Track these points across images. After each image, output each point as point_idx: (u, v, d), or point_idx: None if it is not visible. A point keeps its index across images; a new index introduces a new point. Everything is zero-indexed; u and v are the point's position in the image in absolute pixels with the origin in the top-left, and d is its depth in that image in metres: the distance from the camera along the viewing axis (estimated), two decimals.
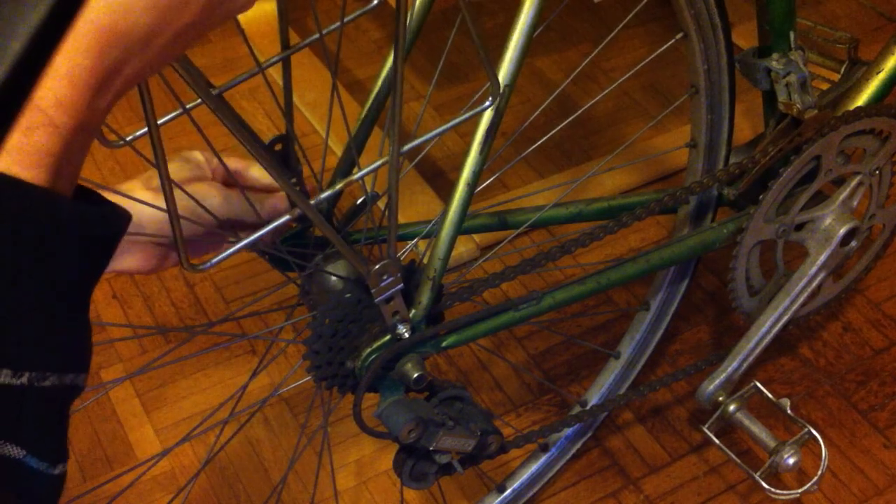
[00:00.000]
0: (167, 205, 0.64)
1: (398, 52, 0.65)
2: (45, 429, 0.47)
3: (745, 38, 1.63)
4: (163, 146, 0.62)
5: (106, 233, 0.47)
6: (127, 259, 0.83)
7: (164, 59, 0.48)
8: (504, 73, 0.81)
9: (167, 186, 0.63)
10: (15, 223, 0.42)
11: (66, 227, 0.44)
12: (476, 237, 1.52)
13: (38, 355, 0.45)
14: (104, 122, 0.49)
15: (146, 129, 0.73)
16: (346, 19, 0.77)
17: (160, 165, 0.63)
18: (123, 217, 0.48)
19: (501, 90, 0.80)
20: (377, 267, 0.79)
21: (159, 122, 0.76)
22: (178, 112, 0.76)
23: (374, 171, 0.75)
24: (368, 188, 0.90)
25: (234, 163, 0.86)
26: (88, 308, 0.48)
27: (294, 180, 0.83)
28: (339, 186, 0.75)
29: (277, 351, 1.38)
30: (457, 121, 0.76)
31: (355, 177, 0.75)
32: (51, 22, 0.37)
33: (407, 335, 0.86)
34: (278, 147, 0.85)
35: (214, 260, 0.71)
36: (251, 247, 0.75)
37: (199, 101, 0.71)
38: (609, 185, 1.62)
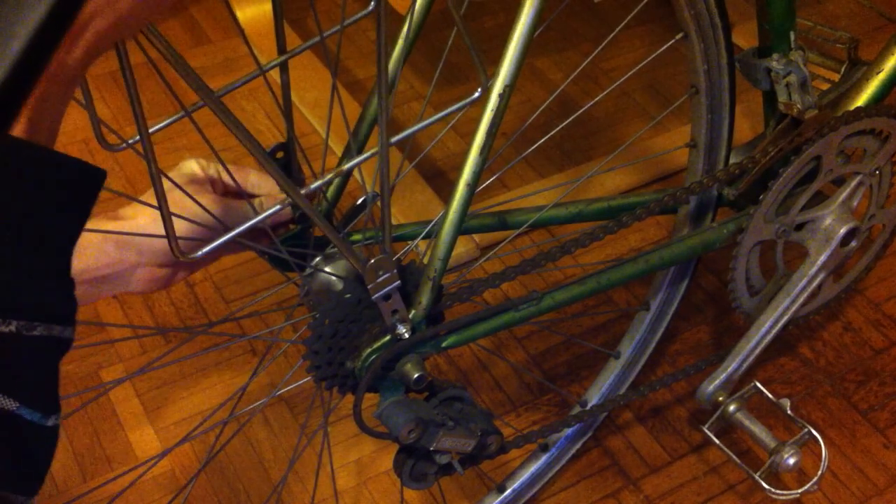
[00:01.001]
0: (156, 194, 0.65)
1: (379, 36, 0.65)
2: (36, 380, 0.48)
3: (745, 37, 1.63)
4: (151, 143, 0.63)
5: (82, 182, 0.48)
6: (134, 281, 0.84)
7: (138, 15, 0.48)
8: (504, 72, 0.81)
9: (157, 178, 0.64)
10: None
11: (42, 172, 0.45)
12: (476, 237, 1.52)
13: (24, 305, 0.46)
14: (82, 78, 0.49)
15: (123, 146, 0.73)
16: (346, 22, 0.77)
17: (150, 159, 0.63)
18: (99, 171, 0.49)
19: (502, 90, 0.80)
20: (372, 262, 0.79)
21: (161, 125, 0.77)
22: (179, 115, 0.76)
23: (365, 160, 0.75)
24: (368, 186, 0.90)
25: (231, 171, 0.86)
26: (70, 267, 0.49)
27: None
28: (329, 176, 0.75)
29: (277, 351, 1.38)
30: (446, 112, 0.76)
31: (346, 166, 0.75)
32: (51, 22, 0.37)
33: (407, 335, 0.86)
34: (280, 155, 0.85)
35: (206, 248, 0.71)
36: (247, 238, 0.75)
37: (200, 103, 0.71)
38: (609, 185, 1.62)
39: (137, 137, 0.73)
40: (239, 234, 0.73)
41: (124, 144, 0.75)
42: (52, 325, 0.47)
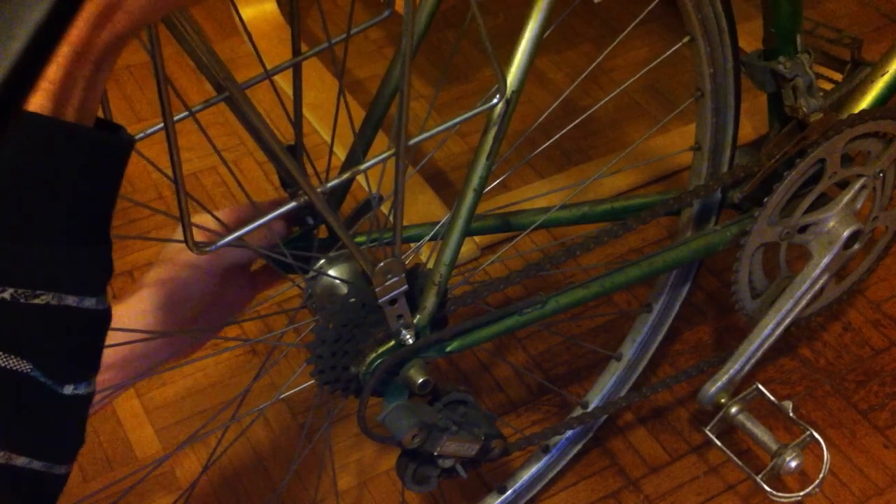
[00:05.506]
0: (175, 182, 0.65)
1: (408, 40, 0.65)
2: (49, 344, 0.49)
3: (745, 38, 1.62)
4: (175, 132, 0.62)
5: (111, 154, 0.49)
6: (161, 352, 0.85)
7: None
8: (512, 78, 0.80)
9: (178, 170, 0.63)
10: (15, 147, 0.44)
11: (69, 147, 0.46)
12: (476, 237, 1.51)
13: (27, 274, 0.46)
14: (115, 60, 0.49)
15: (151, 130, 0.73)
16: (353, 31, 0.77)
17: (172, 148, 0.63)
18: (125, 140, 0.50)
19: (510, 96, 0.79)
20: (382, 264, 0.78)
21: (181, 116, 0.76)
22: (184, 115, 0.75)
23: (383, 160, 0.75)
24: (374, 186, 0.89)
25: (227, 215, 0.85)
26: (109, 240, 0.51)
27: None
28: (346, 176, 0.75)
29: (279, 354, 1.37)
30: (466, 116, 0.76)
31: (363, 166, 0.75)
32: (51, 22, 0.37)
33: (411, 340, 0.86)
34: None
35: (221, 242, 0.70)
36: (243, 246, 0.75)
37: (201, 105, 0.71)
38: (609, 185, 1.61)
39: (148, 131, 0.73)
40: (251, 231, 0.72)
41: (139, 136, 0.75)
42: (62, 295, 0.48)
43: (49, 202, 0.47)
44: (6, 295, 0.46)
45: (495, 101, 0.77)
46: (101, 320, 0.51)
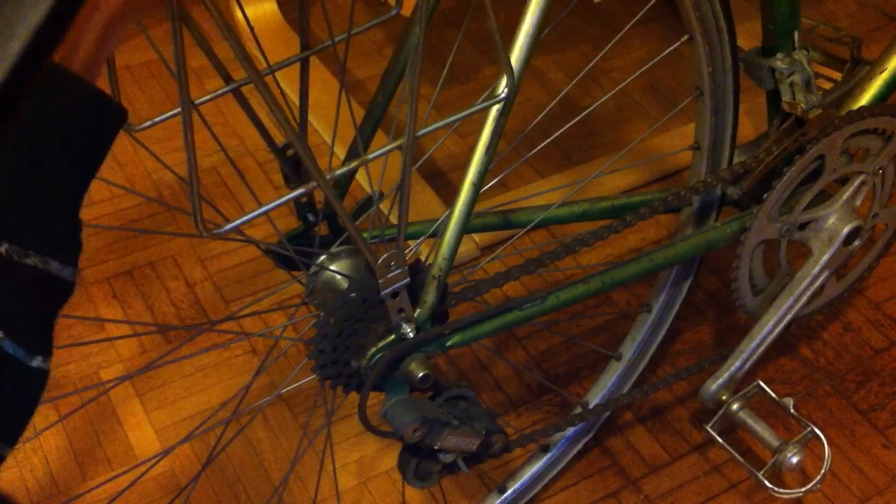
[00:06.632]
0: (188, 170, 0.65)
1: (420, 22, 0.65)
2: (26, 314, 0.47)
3: (744, 38, 1.63)
4: (192, 116, 0.62)
5: (105, 118, 0.48)
6: None
7: None
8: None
9: (192, 153, 0.63)
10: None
11: (69, 99, 0.46)
12: (476, 237, 1.51)
13: (22, 230, 0.45)
14: (122, 32, 0.48)
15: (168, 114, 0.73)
16: (356, 30, 0.77)
17: (187, 132, 0.63)
18: (121, 109, 0.50)
19: (516, 86, 0.80)
20: (385, 256, 0.79)
21: (206, 98, 0.76)
22: (179, 112, 0.76)
23: (390, 151, 0.75)
24: (375, 184, 0.90)
25: None
26: (80, 206, 0.49)
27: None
28: (354, 164, 0.75)
29: (279, 351, 1.37)
30: (472, 110, 0.77)
31: (371, 156, 0.75)
32: (51, 22, 0.37)
33: (412, 334, 0.86)
34: (290, 153, 0.85)
35: (228, 226, 0.70)
36: (247, 240, 0.75)
37: (204, 99, 0.71)
38: (609, 184, 1.62)
39: (152, 122, 0.73)
40: (263, 214, 0.72)
41: (147, 124, 0.74)
42: (48, 259, 0.47)
43: (61, 157, 0.46)
44: (2, 249, 0.45)
45: (503, 94, 0.77)
46: (68, 293, 0.50)
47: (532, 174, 1.67)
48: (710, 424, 1.10)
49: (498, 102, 0.77)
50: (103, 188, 1.60)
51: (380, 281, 0.80)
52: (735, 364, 1.11)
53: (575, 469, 1.29)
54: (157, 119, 0.74)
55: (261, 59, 0.80)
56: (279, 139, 0.82)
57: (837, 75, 1.17)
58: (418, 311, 0.87)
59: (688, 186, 1.01)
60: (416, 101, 0.70)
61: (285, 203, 0.72)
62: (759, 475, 1.07)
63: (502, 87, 0.78)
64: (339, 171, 0.73)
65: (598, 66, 1.88)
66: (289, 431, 1.33)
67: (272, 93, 0.63)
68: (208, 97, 0.71)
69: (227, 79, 0.71)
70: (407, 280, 0.81)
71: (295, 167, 0.86)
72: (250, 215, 0.71)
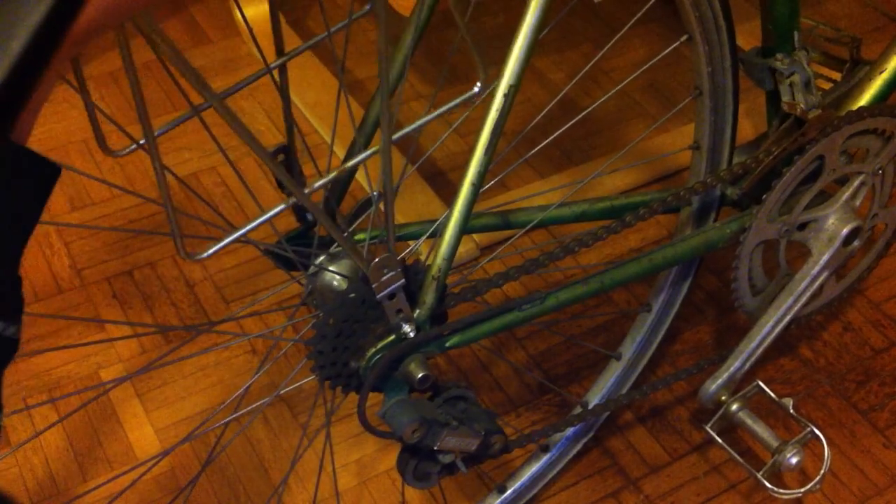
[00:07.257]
0: (163, 197, 0.65)
1: (381, 35, 0.65)
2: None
3: (744, 38, 1.63)
4: (157, 144, 0.62)
5: (42, 176, 0.48)
6: None
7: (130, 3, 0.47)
8: (509, 72, 0.81)
9: (162, 179, 0.63)
10: None
11: (7, 161, 0.46)
12: (476, 237, 1.51)
13: None
14: (69, 67, 0.48)
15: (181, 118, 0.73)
16: (335, 28, 0.78)
17: (155, 159, 0.63)
18: (56, 166, 0.49)
19: (507, 90, 0.80)
20: (377, 260, 0.79)
21: (167, 126, 0.76)
22: (186, 114, 0.76)
23: (367, 158, 0.75)
24: (375, 184, 0.90)
25: None
26: (19, 264, 0.49)
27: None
28: (332, 174, 0.75)
29: (279, 352, 1.37)
30: (445, 108, 0.77)
31: (348, 164, 0.76)
32: (51, 22, 0.37)
33: (411, 335, 0.86)
34: (281, 158, 0.85)
35: (211, 250, 0.71)
36: (246, 241, 0.75)
37: (205, 104, 0.71)
38: (609, 184, 1.62)
39: (142, 141, 0.73)
40: (244, 235, 0.72)
41: (126, 150, 0.75)
42: None
43: None
44: None
45: (476, 89, 0.77)
46: (13, 351, 0.50)
47: (532, 174, 1.67)
48: (709, 424, 1.10)
49: (472, 97, 0.77)
50: (103, 188, 1.60)
51: (373, 285, 0.80)
52: (734, 364, 1.11)
53: (575, 469, 1.29)
54: (130, 147, 0.75)
55: (260, 60, 0.80)
56: (271, 142, 0.82)
57: (837, 76, 1.17)
58: (417, 311, 0.87)
59: (687, 187, 1.01)
60: (388, 107, 0.70)
61: (265, 222, 0.73)
62: (759, 475, 1.07)
63: (481, 84, 0.78)
64: (316, 185, 0.74)
65: (597, 66, 1.88)
66: (289, 431, 1.33)
67: (235, 116, 0.62)
68: (170, 125, 0.71)
69: (189, 103, 0.71)
70: (402, 282, 0.81)
71: (288, 171, 0.86)
72: (229, 238, 0.71)
